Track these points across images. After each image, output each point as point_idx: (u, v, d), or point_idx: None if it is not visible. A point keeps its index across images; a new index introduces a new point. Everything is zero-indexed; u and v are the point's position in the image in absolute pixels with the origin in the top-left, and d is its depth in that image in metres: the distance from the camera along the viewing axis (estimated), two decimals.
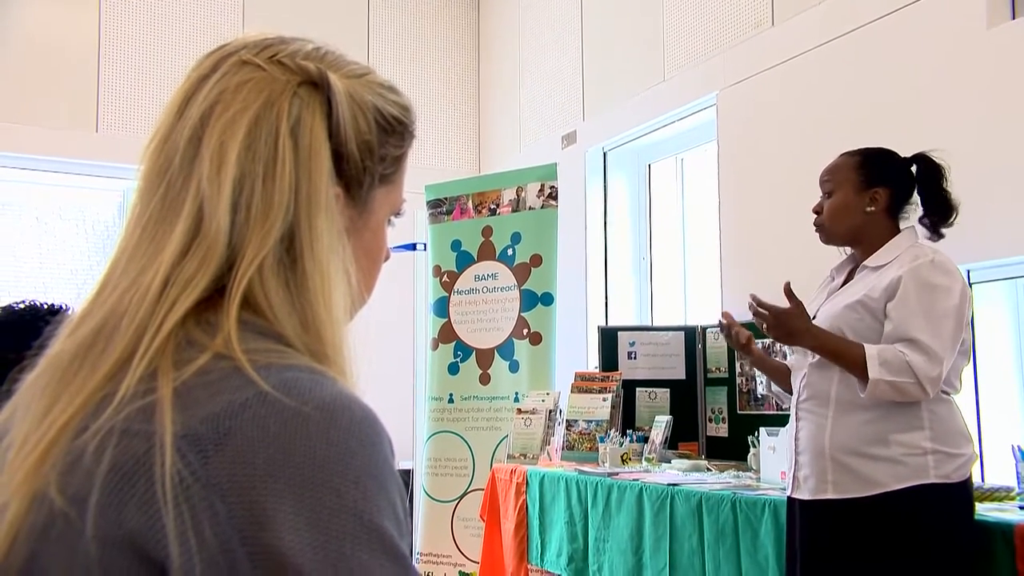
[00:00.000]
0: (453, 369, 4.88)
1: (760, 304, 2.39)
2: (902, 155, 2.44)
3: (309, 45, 0.77)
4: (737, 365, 3.94)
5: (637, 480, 3.22)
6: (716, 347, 4.06)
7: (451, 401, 4.85)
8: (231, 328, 0.67)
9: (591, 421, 4.04)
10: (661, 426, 3.88)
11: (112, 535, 0.60)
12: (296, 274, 0.70)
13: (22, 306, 1.58)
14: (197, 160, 0.70)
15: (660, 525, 3.03)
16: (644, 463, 3.72)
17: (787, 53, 3.86)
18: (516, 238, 4.77)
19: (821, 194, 2.47)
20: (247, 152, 0.70)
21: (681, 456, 3.79)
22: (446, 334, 4.93)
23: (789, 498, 2.43)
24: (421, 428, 5.01)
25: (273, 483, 0.60)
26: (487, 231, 4.88)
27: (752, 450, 3.35)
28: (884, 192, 2.38)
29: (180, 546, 0.59)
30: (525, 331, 4.64)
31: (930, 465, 2.19)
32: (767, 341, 3.79)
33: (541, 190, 4.75)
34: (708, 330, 4.12)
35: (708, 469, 3.49)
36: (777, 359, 2.93)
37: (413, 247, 5.15)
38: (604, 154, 5.15)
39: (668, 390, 4.17)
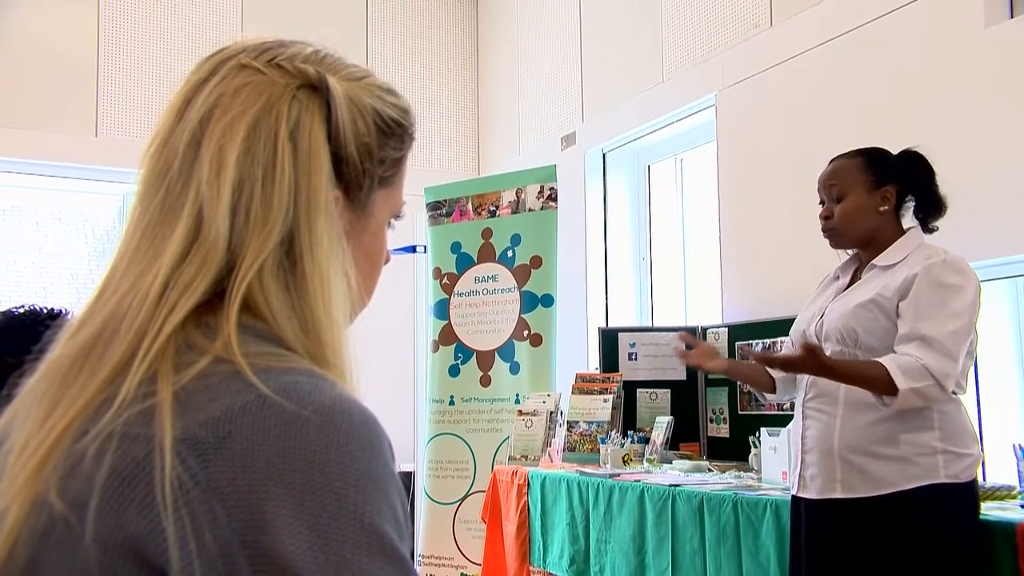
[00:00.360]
0: (454, 371, 4.88)
1: (767, 359, 2.37)
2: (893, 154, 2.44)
3: (308, 48, 0.77)
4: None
5: (638, 481, 3.22)
6: (716, 347, 4.06)
7: (452, 403, 4.85)
8: (231, 332, 0.67)
9: (592, 422, 4.04)
10: (662, 427, 3.88)
11: (112, 539, 0.60)
12: (296, 277, 0.70)
13: (22, 311, 1.58)
14: (196, 164, 0.70)
15: (662, 526, 3.03)
16: (645, 464, 3.72)
17: (786, 53, 3.87)
18: (516, 240, 4.77)
19: (824, 198, 2.44)
20: (246, 156, 0.70)
21: (682, 457, 3.78)
22: (446, 336, 4.93)
23: (794, 497, 2.42)
24: (422, 430, 5.01)
25: (273, 487, 0.60)
26: (487, 233, 4.88)
27: (753, 450, 3.35)
28: (893, 190, 2.37)
29: (180, 550, 0.59)
30: (525, 333, 4.64)
31: (940, 465, 2.19)
32: (767, 341, 3.80)
33: (541, 191, 4.75)
34: (709, 330, 4.12)
35: (709, 470, 3.49)
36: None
37: (413, 249, 5.15)
38: (603, 155, 5.15)
39: (669, 391, 4.17)
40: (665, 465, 3.67)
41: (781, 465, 2.92)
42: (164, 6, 5.57)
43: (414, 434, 5.09)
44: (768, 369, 2.68)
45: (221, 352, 0.66)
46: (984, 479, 2.78)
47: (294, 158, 0.71)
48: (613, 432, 3.90)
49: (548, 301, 4.63)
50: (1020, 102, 2.96)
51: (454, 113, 6.31)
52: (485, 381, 4.77)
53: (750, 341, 3.88)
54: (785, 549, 2.53)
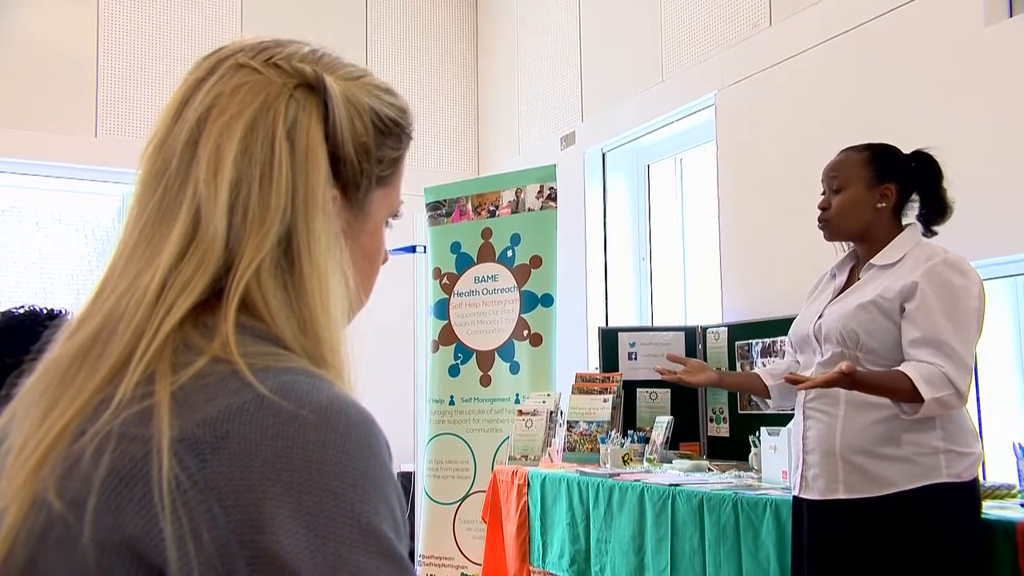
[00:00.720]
0: (454, 371, 4.88)
1: (796, 379, 2.32)
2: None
3: (305, 48, 0.77)
4: (737, 366, 3.94)
5: (638, 481, 3.22)
6: (716, 347, 4.06)
7: (452, 403, 4.85)
8: (229, 331, 0.67)
9: (592, 422, 4.04)
10: (662, 427, 3.88)
11: (110, 539, 0.60)
12: (294, 277, 0.70)
13: (21, 311, 1.58)
14: (194, 163, 0.70)
15: (662, 525, 3.03)
16: (645, 464, 3.72)
17: (785, 53, 3.87)
18: (516, 239, 4.77)
19: (824, 190, 2.44)
20: (243, 155, 0.70)
21: (682, 456, 3.78)
22: (446, 336, 4.93)
23: (795, 497, 2.42)
24: (422, 430, 5.01)
25: (271, 487, 0.60)
26: (487, 233, 4.88)
27: (753, 450, 3.35)
28: (894, 188, 2.36)
29: (178, 551, 0.59)
30: (525, 332, 4.64)
31: (942, 464, 2.18)
32: (767, 340, 3.80)
33: (540, 191, 4.75)
34: (708, 330, 4.12)
35: (709, 469, 3.49)
36: (755, 369, 2.93)
37: (413, 249, 5.15)
38: (603, 155, 5.15)
39: (669, 390, 4.17)
40: (665, 465, 3.67)
41: (781, 464, 2.92)
42: (163, 6, 5.57)
43: (414, 434, 5.09)
44: (762, 377, 2.68)
45: (219, 352, 0.66)
46: (984, 478, 2.78)
47: (291, 157, 0.71)
48: (613, 432, 3.90)
49: (548, 301, 4.63)
50: (1020, 101, 2.96)
51: (454, 113, 6.31)
52: (485, 381, 4.77)
53: (750, 341, 3.88)
54: (785, 549, 2.53)
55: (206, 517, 0.60)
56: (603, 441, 3.84)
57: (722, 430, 4.02)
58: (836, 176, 2.41)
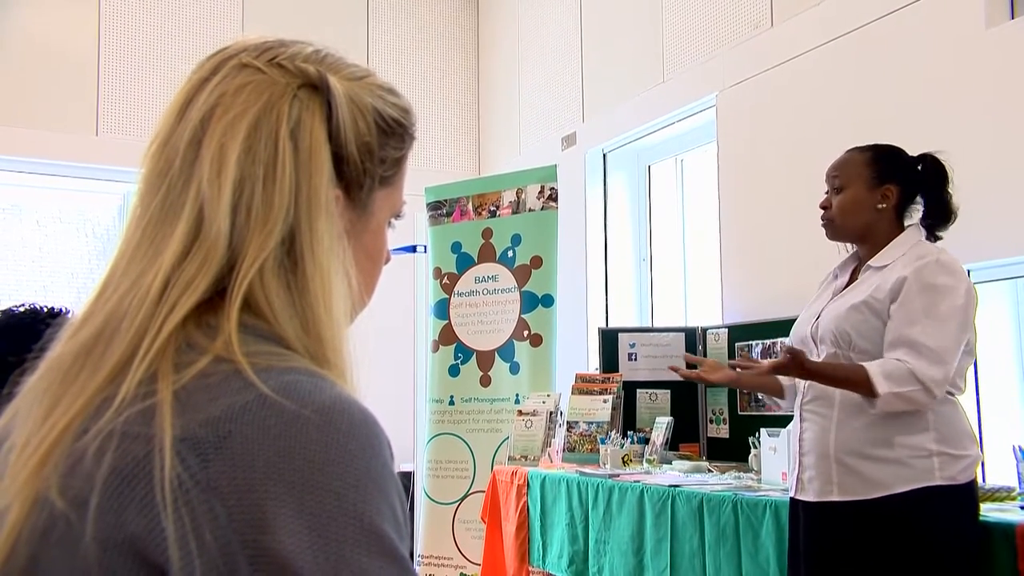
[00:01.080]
0: (454, 371, 4.88)
1: (748, 365, 2.43)
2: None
3: (309, 48, 0.77)
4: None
5: (638, 481, 3.22)
6: (716, 348, 4.06)
7: (452, 403, 4.85)
8: (231, 331, 0.67)
9: (592, 423, 4.04)
10: (662, 427, 3.88)
11: (112, 538, 0.60)
12: (297, 276, 0.70)
13: (22, 309, 1.58)
14: (197, 163, 0.70)
15: (661, 526, 3.03)
16: (645, 464, 3.72)
17: (786, 54, 3.87)
18: (516, 240, 4.77)
19: (827, 189, 2.45)
20: (247, 155, 0.70)
21: (682, 457, 3.79)
22: (446, 336, 4.93)
23: (792, 499, 2.43)
24: (422, 430, 5.01)
25: (273, 486, 0.60)
26: (487, 233, 4.88)
27: (753, 451, 3.35)
28: (895, 189, 2.36)
29: (180, 550, 0.59)
30: (525, 333, 4.64)
31: (935, 467, 2.18)
32: (767, 342, 3.80)
33: (541, 192, 4.75)
34: (709, 331, 4.13)
35: (709, 470, 3.49)
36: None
37: (413, 249, 5.15)
38: (604, 155, 5.15)
39: (669, 391, 4.17)
40: (665, 466, 3.67)
41: (781, 466, 2.92)
42: (165, 5, 5.57)
43: (414, 434, 5.09)
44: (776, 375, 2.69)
45: (221, 351, 0.66)
46: (984, 480, 2.78)
47: (295, 157, 0.71)
48: (613, 432, 3.90)
49: (548, 301, 4.63)
50: (1021, 103, 2.96)
51: (454, 113, 6.31)
52: (485, 381, 4.77)
53: (750, 342, 3.88)
54: (785, 550, 2.53)
55: (208, 516, 0.60)
56: (603, 442, 3.84)
57: (722, 431, 4.02)
58: (838, 176, 2.42)
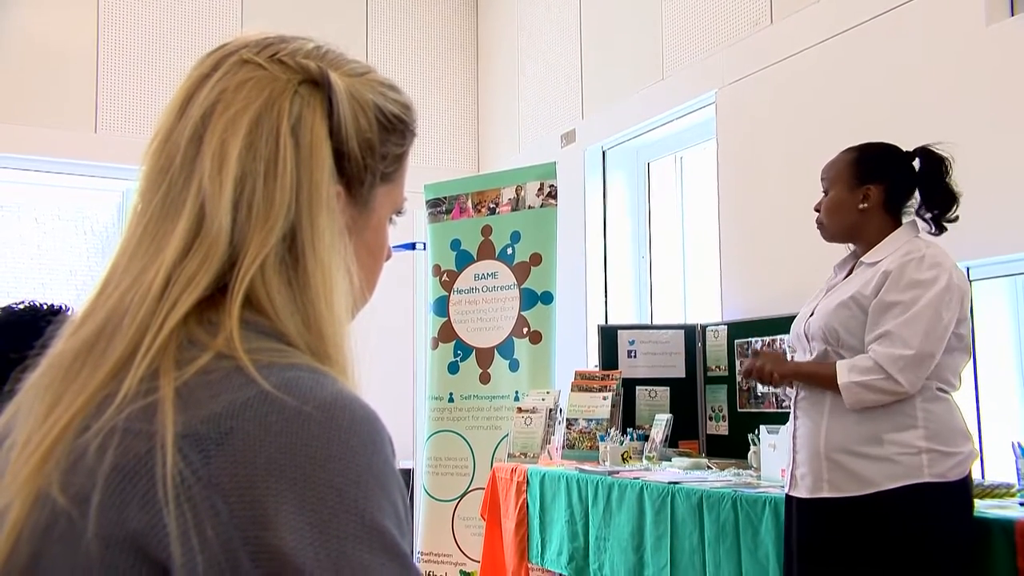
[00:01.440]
0: (453, 368, 4.88)
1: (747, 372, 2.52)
2: (903, 150, 2.43)
3: (310, 44, 0.77)
4: (736, 363, 3.94)
5: (637, 478, 3.22)
6: (716, 345, 4.06)
7: (451, 400, 4.85)
8: (233, 327, 0.67)
9: (591, 420, 4.04)
10: (661, 424, 3.88)
11: (114, 535, 0.60)
12: (298, 273, 0.70)
13: (22, 306, 1.58)
14: (198, 159, 0.70)
15: (661, 523, 3.03)
16: (644, 461, 3.72)
17: (786, 51, 3.86)
18: (515, 237, 4.77)
19: (822, 191, 2.47)
20: (248, 151, 0.70)
21: (681, 454, 3.79)
22: (446, 333, 4.93)
23: (787, 496, 2.44)
24: (421, 427, 5.02)
25: (275, 482, 0.60)
26: (486, 230, 4.88)
27: (752, 448, 3.35)
28: (877, 189, 2.37)
29: (182, 546, 0.59)
30: (525, 330, 4.64)
31: (924, 464, 2.18)
32: (767, 339, 3.80)
33: (540, 189, 4.75)
34: (708, 328, 4.13)
35: (708, 467, 3.49)
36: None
37: (412, 246, 5.15)
38: (603, 153, 5.15)
39: (668, 388, 4.17)
40: (664, 463, 3.67)
41: (780, 463, 2.92)
42: (163, 3, 5.56)
43: (413, 431, 5.10)
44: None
45: (223, 348, 0.66)
46: (983, 477, 2.79)
47: (296, 153, 0.71)
48: (612, 429, 3.90)
49: (548, 298, 4.63)
50: (1021, 101, 2.96)
51: (454, 110, 6.31)
52: (484, 378, 4.77)
53: (749, 339, 3.88)
54: (783, 547, 2.53)
55: (210, 513, 0.60)
56: (602, 439, 3.84)
57: (721, 428, 4.02)
58: (825, 177, 2.47)
